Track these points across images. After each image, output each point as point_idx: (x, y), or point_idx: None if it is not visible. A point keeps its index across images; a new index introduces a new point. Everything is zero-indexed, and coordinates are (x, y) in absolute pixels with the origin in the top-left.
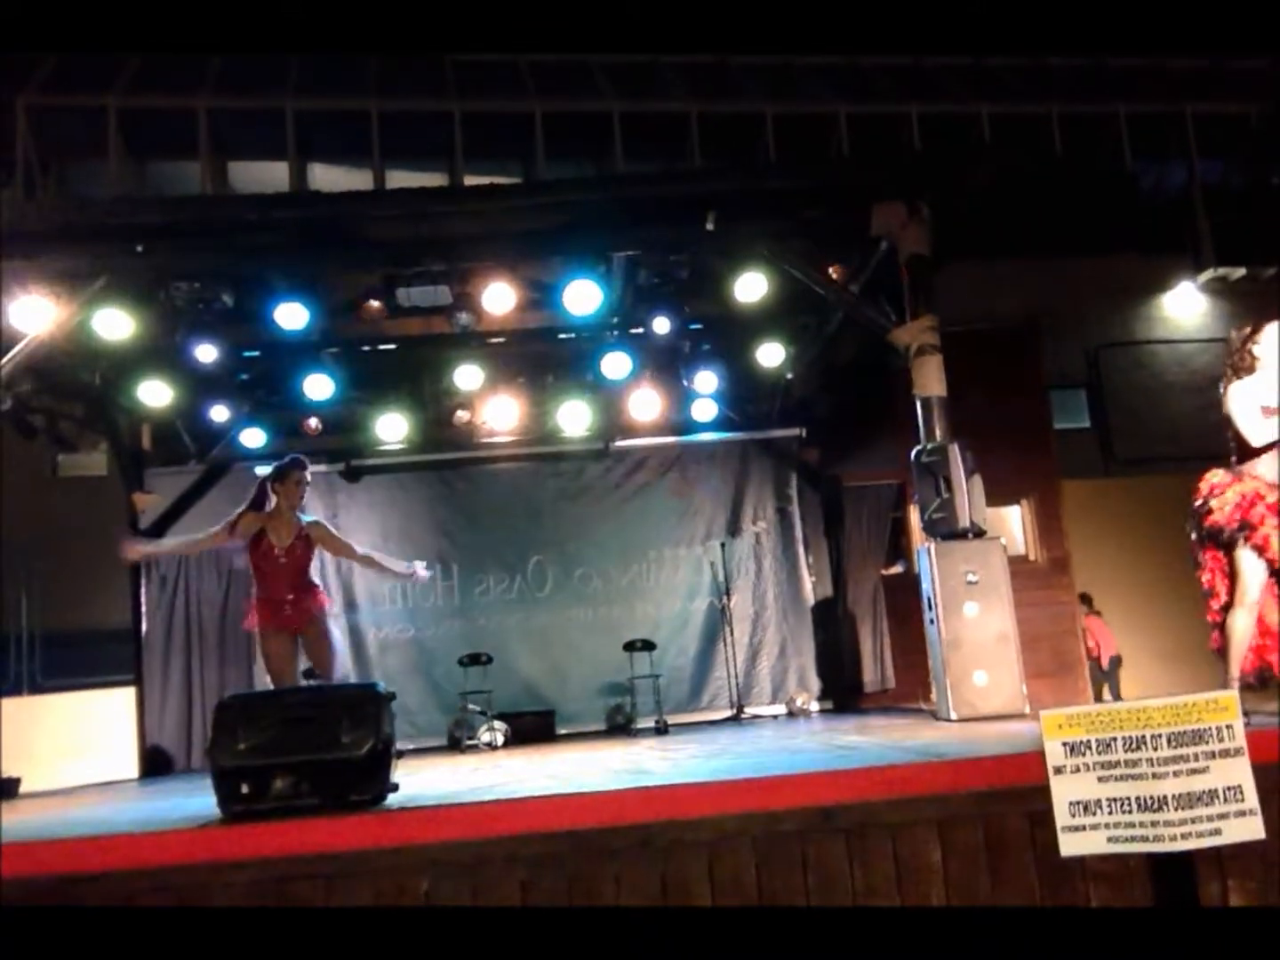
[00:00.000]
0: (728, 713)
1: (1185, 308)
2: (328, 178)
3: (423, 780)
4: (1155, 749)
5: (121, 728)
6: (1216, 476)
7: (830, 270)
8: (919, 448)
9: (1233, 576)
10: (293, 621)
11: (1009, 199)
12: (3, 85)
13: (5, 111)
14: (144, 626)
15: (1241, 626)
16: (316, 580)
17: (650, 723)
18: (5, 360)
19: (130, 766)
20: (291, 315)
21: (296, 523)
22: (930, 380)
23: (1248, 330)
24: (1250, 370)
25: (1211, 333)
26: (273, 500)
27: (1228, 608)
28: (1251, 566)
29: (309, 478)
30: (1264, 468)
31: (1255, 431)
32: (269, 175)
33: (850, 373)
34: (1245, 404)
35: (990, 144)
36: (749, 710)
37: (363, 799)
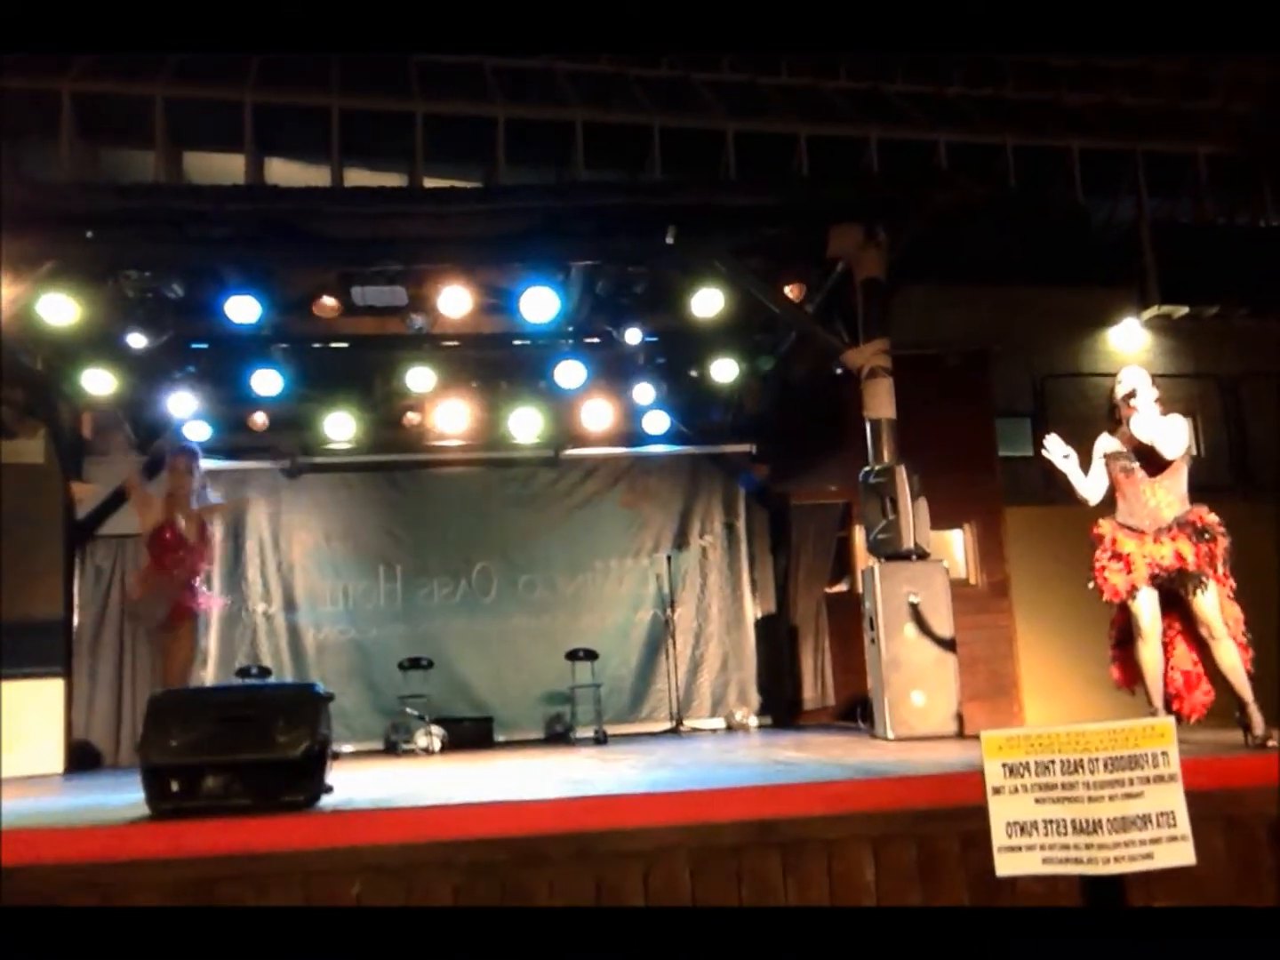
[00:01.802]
0: (667, 725)
1: (1129, 342)
2: (285, 172)
3: (358, 783)
4: (1092, 773)
5: (47, 721)
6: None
7: (786, 289)
8: (867, 468)
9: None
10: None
11: (964, 226)
12: None
13: None
14: (75, 619)
15: (1147, 659)
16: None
17: (589, 732)
18: None
19: (55, 760)
20: (242, 309)
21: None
22: (880, 402)
23: (1111, 386)
24: (1121, 422)
25: (1153, 369)
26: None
27: (1119, 643)
28: (1138, 603)
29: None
30: (1119, 511)
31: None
32: (225, 167)
33: (802, 391)
34: (1095, 452)
35: (947, 171)
36: (688, 723)
37: (296, 800)
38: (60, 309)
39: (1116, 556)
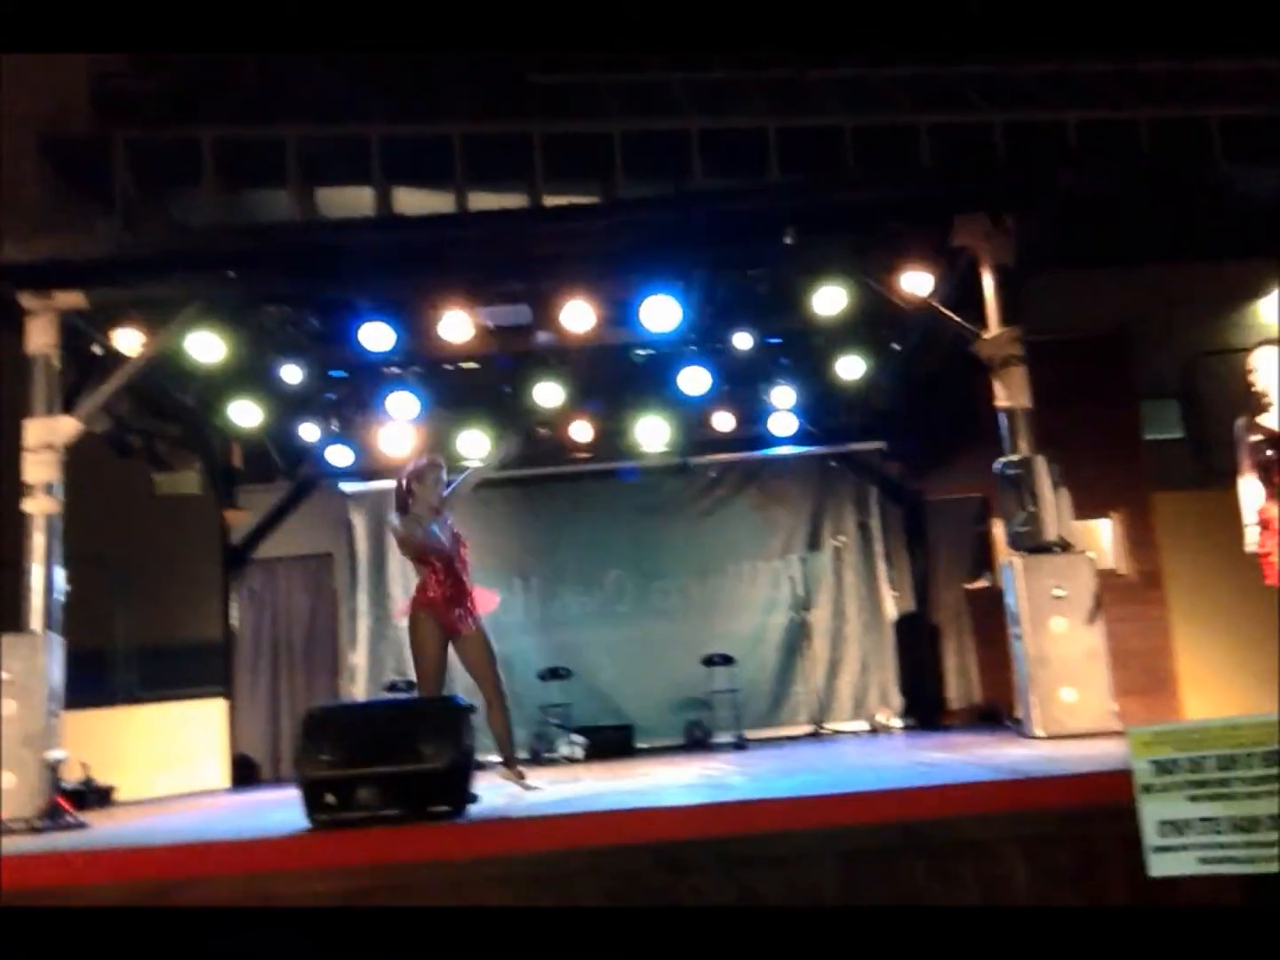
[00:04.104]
0: (808, 728)
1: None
2: (411, 201)
3: (502, 793)
4: (1249, 768)
5: (212, 738)
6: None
7: (912, 281)
8: (1004, 460)
9: None
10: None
11: (1097, 206)
12: (103, 120)
13: (106, 145)
14: (235, 640)
15: None
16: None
17: (728, 738)
18: (105, 387)
19: (221, 776)
20: (376, 336)
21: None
22: (1015, 392)
23: (1246, 364)
24: (1264, 409)
25: None
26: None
27: None
28: None
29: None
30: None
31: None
32: (355, 200)
33: (932, 386)
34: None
35: (1076, 151)
36: (829, 726)
37: (443, 810)
38: (208, 346)
39: None
